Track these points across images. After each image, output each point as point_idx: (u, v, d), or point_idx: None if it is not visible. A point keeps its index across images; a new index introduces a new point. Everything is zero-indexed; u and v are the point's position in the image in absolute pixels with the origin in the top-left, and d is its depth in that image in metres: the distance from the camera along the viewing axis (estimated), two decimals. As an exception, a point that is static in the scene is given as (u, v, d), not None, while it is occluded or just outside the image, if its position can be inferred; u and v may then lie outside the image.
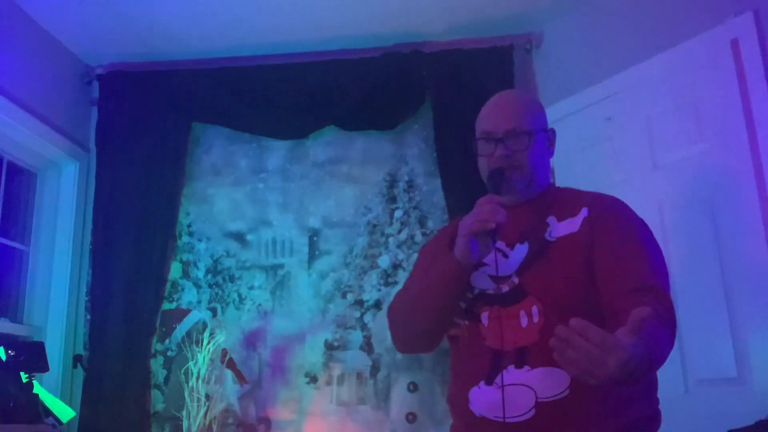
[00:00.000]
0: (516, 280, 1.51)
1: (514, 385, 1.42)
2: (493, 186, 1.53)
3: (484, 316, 1.52)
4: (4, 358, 2.46)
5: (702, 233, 2.36)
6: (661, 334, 1.28)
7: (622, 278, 1.42)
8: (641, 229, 1.52)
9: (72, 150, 3.19)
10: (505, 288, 1.51)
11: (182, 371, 2.97)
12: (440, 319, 1.59)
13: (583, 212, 1.53)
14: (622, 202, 1.59)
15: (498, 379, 1.43)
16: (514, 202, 1.59)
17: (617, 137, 2.72)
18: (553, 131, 1.67)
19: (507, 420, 1.39)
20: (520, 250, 1.54)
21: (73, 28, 3.07)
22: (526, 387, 1.41)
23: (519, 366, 1.43)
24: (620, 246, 1.47)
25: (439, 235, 1.79)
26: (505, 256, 1.54)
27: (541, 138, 1.61)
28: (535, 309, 1.46)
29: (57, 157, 3.17)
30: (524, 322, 1.46)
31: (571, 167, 2.78)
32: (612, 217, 1.52)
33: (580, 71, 2.89)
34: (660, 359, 1.29)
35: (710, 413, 2.20)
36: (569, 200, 1.59)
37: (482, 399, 1.46)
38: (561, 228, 1.53)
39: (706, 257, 2.32)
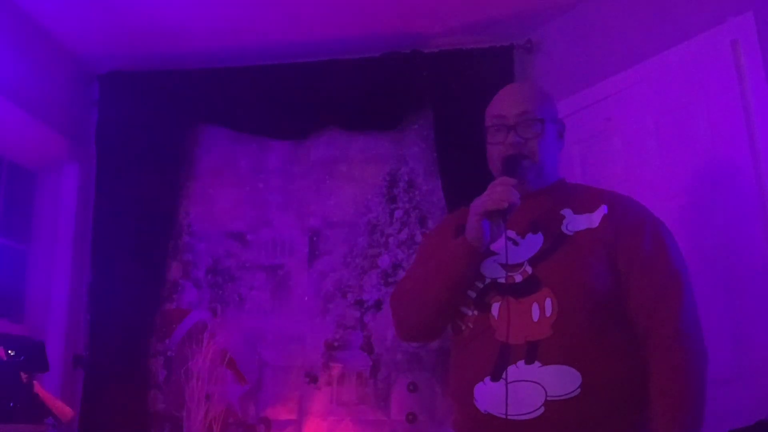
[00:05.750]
0: (529, 269, 1.47)
1: (522, 381, 1.38)
2: (509, 171, 1.51)
3: (495, 307, 1.47)
4: (4, 358, 2.46)
5: (702, 233, 2.35)
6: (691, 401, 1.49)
7: (651, 291, 1.44)
8: (665, 235, 1.51)
9: (72, 150, 3.19)
10: (518, 277, 1.47)
11: (182, 371, 2.97)
12: (446, 305, 1.54)
13: (602, 209, 1.51)
14: (641, 204, 1.58)
15: (505, 375, 1.39)
16: (524, 191, 1.55)
17: (617, 137, 2.72)
18: (562, 123, 1.66)
19: (510, 417, 1.36)
20: (533, 240, 1.51)
21: (74, 28, 3.06)
22: (535, 384, 1.37)
23: (529, 362, 1.38)
24: (647, 254, 1.46)
25: (442, 226, 1.76)
26: (516, 243, 1.51)
27: (551, 128, 1.60)
28: (548, 302, 1.42)
29: (57, 157, 3.17)
30: (536, 315, 1.42)
31: (571, 167, 2.78)
32: (636, 221, 1.51)
33: (580, 71, 2.89)
34: (701, 411, 1.50)
35: (710, 413, 2.20)
36: (585, 194, 1.58)
37: (488, 395, 1.42)
38: (579, 222, 1.50)
39: (706, 257, 2.32)
